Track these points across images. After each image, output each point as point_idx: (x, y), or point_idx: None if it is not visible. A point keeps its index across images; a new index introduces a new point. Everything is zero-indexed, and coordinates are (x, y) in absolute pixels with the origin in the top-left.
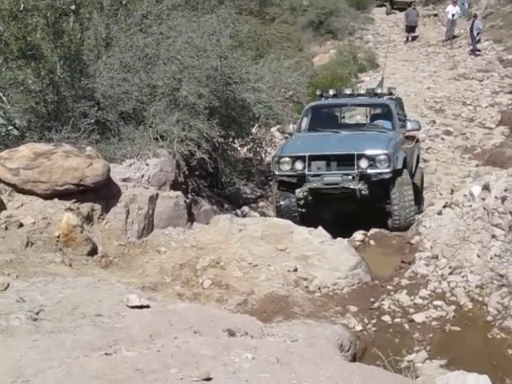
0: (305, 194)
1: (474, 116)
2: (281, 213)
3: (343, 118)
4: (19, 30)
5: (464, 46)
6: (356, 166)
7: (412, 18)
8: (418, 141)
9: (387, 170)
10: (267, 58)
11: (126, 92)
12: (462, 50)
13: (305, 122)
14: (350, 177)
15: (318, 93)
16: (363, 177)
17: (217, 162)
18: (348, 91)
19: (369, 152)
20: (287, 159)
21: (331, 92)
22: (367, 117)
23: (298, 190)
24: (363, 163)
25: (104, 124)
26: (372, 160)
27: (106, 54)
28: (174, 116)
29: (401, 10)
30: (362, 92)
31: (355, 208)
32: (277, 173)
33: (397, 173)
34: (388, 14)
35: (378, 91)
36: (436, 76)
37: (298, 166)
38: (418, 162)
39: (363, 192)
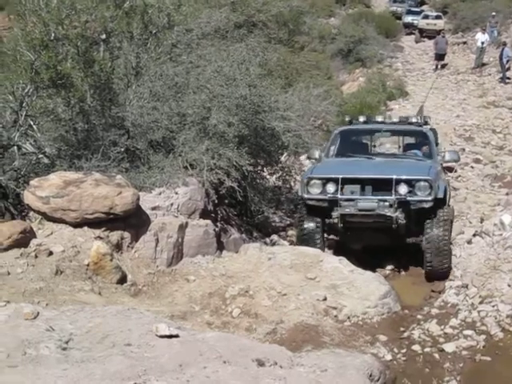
0: (335, 220)
1: (504, 144)
2: (303, 238)
3: (374, 146)
4: (50, 59)
5: (493, 73)
6: (394, 192)
7: (441, 45)
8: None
9: (428, 198)
10: (296, 87)
11: (155, 120)
12: (491, 77)
13: (333, 148)
14: (387, 203)
15: (348, 119)
16: (401, 204)
17: (246, 191)
18: (379, 118)
19: (409, 177)
20: (318, 181)
21: (361, 119)
22: (400, 146)
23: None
24: (402, 189)
25: (134, 152)
26: (412, 186)
27: (135, 82)
28: (204, 144)
29: (430, 37)
30: (395, 120)
31: (387, 241)
32: (305, 196)
33: (437, 203)
34: (417, 42)
35: (413, 120)
36: (465, 104)
37: (330, 188)
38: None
39: (400, 221)
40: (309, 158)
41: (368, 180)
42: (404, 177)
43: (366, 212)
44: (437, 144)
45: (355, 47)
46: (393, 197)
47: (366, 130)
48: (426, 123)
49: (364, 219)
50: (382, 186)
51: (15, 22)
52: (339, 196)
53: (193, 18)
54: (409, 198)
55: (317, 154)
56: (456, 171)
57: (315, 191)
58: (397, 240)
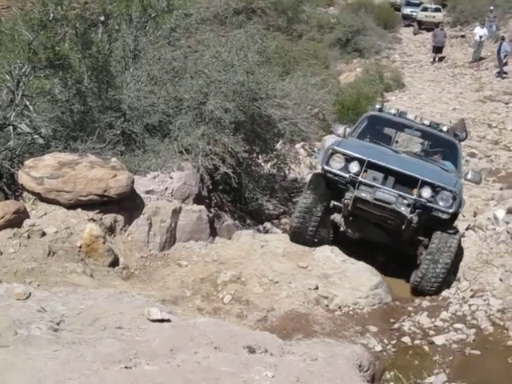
0: (346, 201)
1: (499, 139)
2: (301, 212)
3: (396, 141)
4: (48, 40)
5: (491, 68)
6: (416, 193)
7: (439, 38)
8: None
9: (449, 210)
10: (294, 75)
11: (152, 104)
12: (488, 72)
13: (359, 130)
14: (406, 201)
15: (378, 106)
16: (419, 207)
17: (240, 177)
18: (411, 116)
19: (436, 182)
20: (342, 157)
21: (393, 110)
22: (422, 150)
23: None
24: (426, 192)
25: (129, 136)
26: (435, 192)
27: (133, 65)
28: (200, 130)
29: (428, 30)
30: (426, 122)
31: (387, 241)
32: (326, 167)
33: (453, 218)
34: (415, 34)
35: (444, 128)
36: (462, 97)
37: (353, 168)
38: None
39: (412, 224)
40: (331, 132)
41: (393, 172)
42: (431, 180)
43: (382, 203)
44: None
45: (353, 37)
46: (414, 197)
47: (396, 123)
48: (455, 136)
49: (377, 210)
50: (406, 182)
51: (14, 1)
52: (360, 179)
53: (192, 3)
54: (429, 204)
55: (341, 130)
56: None
57: (337, 166)
58: (397, 243)
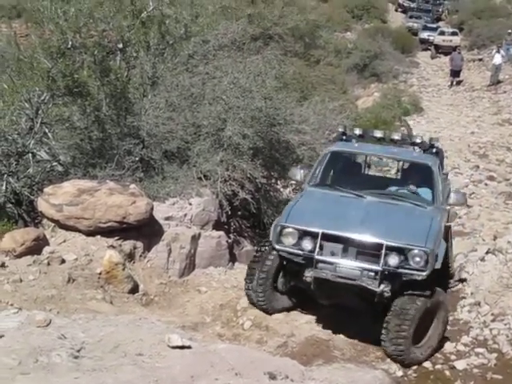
0: (308, 280)
1: None
2: (253, 284)
3: (368, 166)
4: (66, 67)
5: (509, 91)
6: (382, 261)
7: (457, 62)
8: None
9: (422, 273)
10: (312, 100)
11: (170, 131)
12: (506, 95)
13: (319, 171)
14: (372, 273)
15: (341, 130)
16: (389, 276)
17: (259, 203)
18: (378, 134)
19: (402, 244)
20: (293, 231)
21: (357, 131)
22: (398, 171)
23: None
24: (392, 260)
25: (148, 162)
26: (405, 254)
27: (151, 92)
28: (218, 156)
29: (446, 54)
30: (396, 137)
31: (362, 306)
32: (277, 246)
33: (433, 274)
34: (433, 58)
35: (417, 140)
36: (480, 121)
37: (307, 245)
38: (451, 240)
39: (386, 294)
40: (289, 178)
41: (353, 240)
42: (397, 244)
43: (346, 280)
44: (442, 167)
45: (371, 62)
46: (379, 267)
47: (359, 154)
48: (431, 146)
49: (342, 287)
50: (370, 247)
51: (33, 29)
52: (316, 256)
53: (210, 30)
54: (399, 271)
55: (298, 175)
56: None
57: (289, 241)
58: (375, 307)
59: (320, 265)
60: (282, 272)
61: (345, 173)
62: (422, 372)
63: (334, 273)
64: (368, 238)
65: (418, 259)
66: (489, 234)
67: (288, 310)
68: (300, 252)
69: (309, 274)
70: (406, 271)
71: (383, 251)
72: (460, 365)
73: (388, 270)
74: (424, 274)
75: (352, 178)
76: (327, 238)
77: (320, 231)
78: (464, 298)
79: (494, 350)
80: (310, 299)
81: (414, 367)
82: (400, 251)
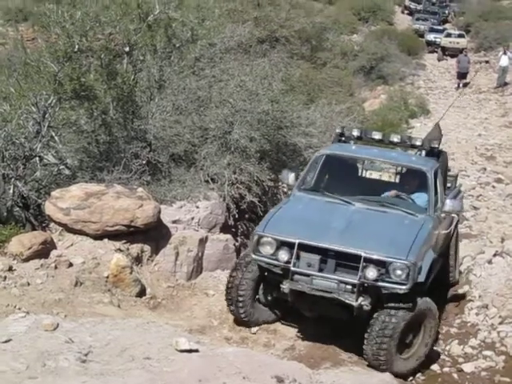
0: (285, 291)
1: None
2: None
3: (365, 170)
4: (73, 71)
5: None
6: (360, 273)
7: (463, 64)
8: (458, 221)
9: (403, 287)
10: (318, 103)
11: (177, 134)
12: None
13: (309, 174)
14: (350, 286)
15: (338, 131)
16: (369, 289)
17: (266, 206)
18: (377, 135)
19: (381, 257)
20: (270, 240)
21: (355, 132)
22: (396, 175)
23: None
24: (370, 272)
25: (155, 165)
26: (383, 268)
27: (158, 95)
28: (225, 159)
29: (452, 56)
30: (396, 139)
31: (345, 316)
32: (254, 256)
33: (414, 288)
34: (439, 60)
35: (417, 143)
36: (487, 123)
37: (283, 255)
38: (456, 249)
39: (365, 308)
40: (280, 181)
41: (332, 251)
42: (375, 256)
43: (322, 293)
44: (449, 170)
45: (377, 64)
46: (356, 280)
47: (352, 159)
48: (431, 149)
49: (319, 300)
50: (348, 260)
51: (39, 33)
52: (292, 268)
53: (216, 33)
54: (378, 284)
55: (290, 179)
56: (459, 221)
57: (268, 251)
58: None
59: (296, 276)
60: (263, 283)
61: (338, 176)
62: (430, 375)
63: (310, 285)
64: (346, 248)
65: (398, 272)
66: (496, 237)
67: (270, 322)
68: (275, 262)
69: (285, 286)
70: (386, 284)
71: (361, 263)
72: (468, 368)
73: (366, 283)
74: (405, 287)
75: (345, 182)
76: (305, 248)
77: (296, 241)
78: (472, 300)
79: (502, 353)
80: (293, 311)
81: (422, 370)
82: (380, 263)
